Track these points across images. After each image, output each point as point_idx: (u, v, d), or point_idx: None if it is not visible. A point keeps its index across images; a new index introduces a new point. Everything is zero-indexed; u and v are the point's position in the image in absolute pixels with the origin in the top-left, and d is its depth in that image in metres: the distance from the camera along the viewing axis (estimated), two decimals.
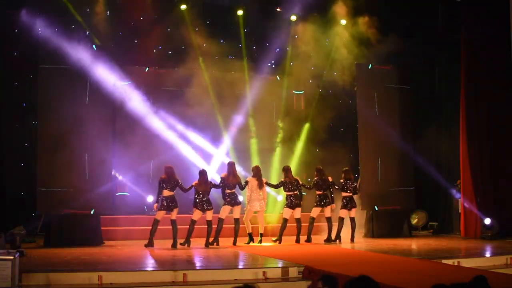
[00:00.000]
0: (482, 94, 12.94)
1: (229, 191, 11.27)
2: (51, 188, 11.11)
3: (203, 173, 11.24)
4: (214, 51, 14.73)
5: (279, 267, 8.06)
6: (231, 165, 11.50)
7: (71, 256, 9.38)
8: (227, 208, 11.26)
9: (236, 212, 11.28)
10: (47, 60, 11.41)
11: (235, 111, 15.34)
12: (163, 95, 14.57)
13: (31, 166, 12.15)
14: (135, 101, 13.75)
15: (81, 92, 11.51)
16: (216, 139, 14.96)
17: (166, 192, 10.86)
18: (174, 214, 10.96)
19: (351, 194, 12.08)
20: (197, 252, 10.29)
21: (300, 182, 11.87)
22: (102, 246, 11.19)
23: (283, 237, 11.68)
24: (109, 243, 11.55)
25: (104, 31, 12.63)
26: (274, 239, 11.75)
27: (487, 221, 12.39)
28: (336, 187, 12.05)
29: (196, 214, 11.07)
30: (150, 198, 13.23)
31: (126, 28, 13.71)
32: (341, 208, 12.04)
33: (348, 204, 12.00)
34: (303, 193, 12.52)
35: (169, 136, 14.42)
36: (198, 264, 8.87)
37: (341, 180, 12.16)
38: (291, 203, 11.64)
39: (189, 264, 8.69)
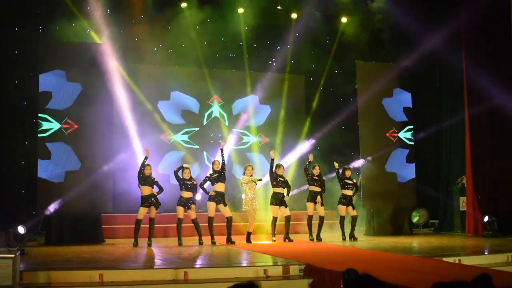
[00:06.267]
0: (484, 91, 12.88)
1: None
2: (52, 186, 11.11)
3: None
4: (214, 49, 14.75)
5: (280, 265, 8.04)
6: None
7: (71, 254, 9.37)
8: (212, 204, 11.22)
9: (226, 210, 11.28)
10: (48, 58, 11.38)
11: (236, 109, 15.38)
12: (163, 92, 14.59)
13: (32, 164, 12.15)
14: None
15: (83, 90, 11.49)
16: (219, 138, 14.96)
17: (143, 189, 10.86)
18: (152, 213, 10.94)
19: (351, 192, 12.07)
20: (198, 250, 10.28)
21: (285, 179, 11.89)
22: (103, 244, 11.21)
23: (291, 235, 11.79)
24: (110, 241, 11.58)
25: (105, 30, 12.61)
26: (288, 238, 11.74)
27: (487, 218, 12.37)
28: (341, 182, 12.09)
29: (180, 212, 11.09)
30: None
31: (127, 26, 13.71)
32: (339, 204, 12.05)
33: (347, 201, 11.99)
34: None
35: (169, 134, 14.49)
36: (199, 262, 8.86)
37: (342, 178, 12.12)
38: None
39: (190, 262, 8.68)
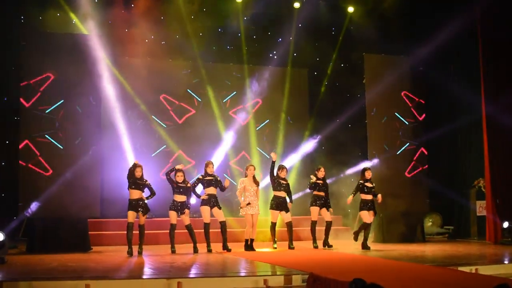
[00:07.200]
0: (503, 85, 12.81)
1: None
2: (35, 189, 11.06)
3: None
4: (211, 41, 14.71)
5: (281, 275, 8.02)
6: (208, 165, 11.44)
7: (56, 263, 9.36)
8: (205, 208, 11.19)
9: (220, 214, 11.25)
10: (32, 52, 11.33)
11: (234, 105, 15.35)
12: (156, 88, 14.56)
13: (13, 165, 12.10)
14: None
15: (69, 84, 11.45)
16: (215, 137, 14.95)
17: (132, 192, 10.73)
18: (141, 219, 10.81)
19: (370, 196, 11.74)
20: (193, 258, 10.26)
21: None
22: (89, 252, 11.17)
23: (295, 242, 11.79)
24: (97, 249, 11.54)
25: (92, 20, 12.58)
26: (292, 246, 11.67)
27: (507, 224, 12.33)
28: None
29: (173, 217, 11.02)
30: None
31: (116, 16, 13.68)
32: (361, 210, 11.73)
33: (368, 206, 11.68)
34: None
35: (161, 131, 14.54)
36: (193, 271, 8.84)
37: (360, 181, 11.85)
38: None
39: (184, 271, 8.65)
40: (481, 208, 13.50)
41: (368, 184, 11.79)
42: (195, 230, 11.18)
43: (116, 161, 13.54)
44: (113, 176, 13.12)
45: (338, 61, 15.61)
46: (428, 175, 13.62)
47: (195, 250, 10.98)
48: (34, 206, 10.98)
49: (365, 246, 11.57)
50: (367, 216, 11.67)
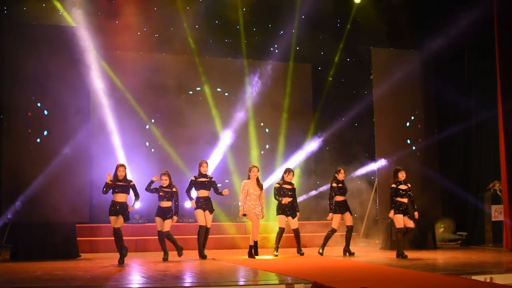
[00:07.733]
0: None
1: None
2: (18, 191, 11.05)
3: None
4: (207, 34, 14.70)
5: (283, 284, 8.02)
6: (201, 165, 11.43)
7: (41, 271, 9.34)
8: (199, 212, 11.21)
9: (209, 219, 11.28)
10: (15, 45, 11.33)
11: (232, 102, 15.35)
12: (148, 84, 14.56)
13: None
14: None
15: (55, 80, 11.46)
16: (211, 135, 14.96)
17: (116, 196, 10.64)
18: (119, 221, 10.66)
19: (406, 199, 11.55)
20: (190, 266, 10.26)
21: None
22: (78, 260, 11.17)
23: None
24: (86, 256, 11.55)
25: (80, 11, 12.59)
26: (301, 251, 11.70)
27: None
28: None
29: (158, 223, 11.03)
30: (137, 204, 13.11)
31: (106, 7, 13.68)
32: (395, 214, 11.46)
33: (403, 210, 11.49)
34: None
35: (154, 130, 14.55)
36: (189, 280, 8.84)
37: (393, 185, 11.64)
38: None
39: (178, 280, 8.66)
40: (496, 212, 13.50)
41: (402, 187, 11.53)
42: (193, 236, 11.15)
43: (106, 161, 13.53)
44: (103, 177, 13.07)
45: (344, 55, 15.61)
46: (440, 177, 13.61)
47: (179, 254, 10.97)
48: (17, 205, 10.97)
49: (400, 254, 11.30)
50: (401, 221, 11.43)
